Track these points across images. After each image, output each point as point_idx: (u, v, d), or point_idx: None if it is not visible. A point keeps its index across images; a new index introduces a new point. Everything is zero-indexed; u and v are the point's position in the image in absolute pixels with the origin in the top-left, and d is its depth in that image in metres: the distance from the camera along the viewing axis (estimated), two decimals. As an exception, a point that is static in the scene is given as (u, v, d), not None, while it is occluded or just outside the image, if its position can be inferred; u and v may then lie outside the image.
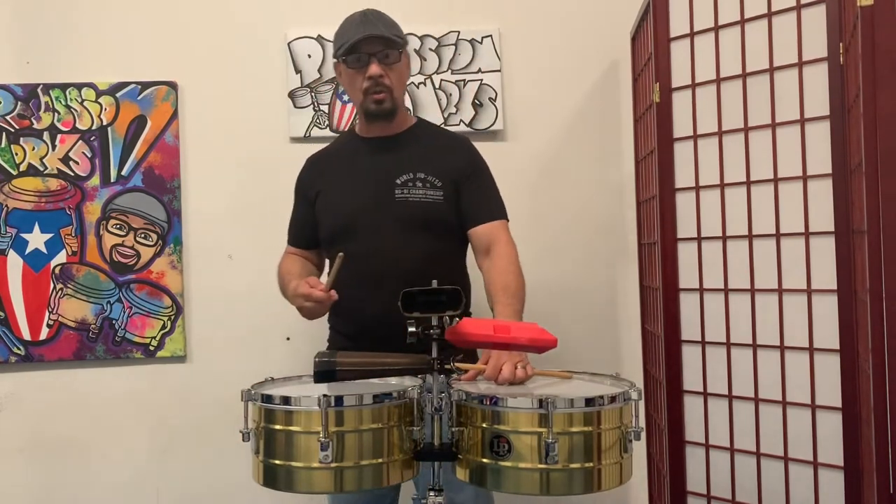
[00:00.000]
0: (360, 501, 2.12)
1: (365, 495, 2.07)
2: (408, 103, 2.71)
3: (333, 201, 2.13)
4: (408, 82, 2.21)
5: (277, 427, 1.52)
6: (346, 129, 2.36)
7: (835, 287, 1.95)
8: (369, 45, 2.02)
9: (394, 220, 2.04)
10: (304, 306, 1.94)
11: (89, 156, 2.67)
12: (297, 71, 2.70)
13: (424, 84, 2.72)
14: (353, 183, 2.11)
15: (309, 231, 2.20)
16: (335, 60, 2.13)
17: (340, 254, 1.82)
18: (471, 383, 1.70)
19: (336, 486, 1.50)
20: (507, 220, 2.11)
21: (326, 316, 2.16)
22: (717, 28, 2.15)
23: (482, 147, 2.75)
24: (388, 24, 2.07)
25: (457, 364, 1.59)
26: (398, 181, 2.05)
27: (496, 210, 2.10)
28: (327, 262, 2.20)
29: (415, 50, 2.70)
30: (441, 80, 2.72)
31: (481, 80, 2.72)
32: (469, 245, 2.12)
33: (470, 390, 1.56)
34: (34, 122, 2.65)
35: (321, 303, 1.90)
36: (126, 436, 2.70)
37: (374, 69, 2.02)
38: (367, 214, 2.06)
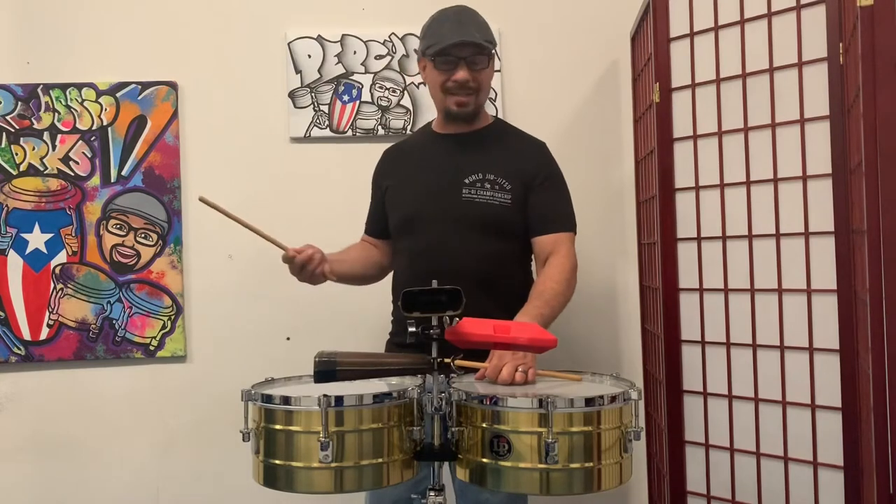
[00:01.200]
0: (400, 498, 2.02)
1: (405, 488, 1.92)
2: (407, 103, 2.72)
3: (401, 195, 2.15)
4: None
5: (277, 427, 1.52)
6: (424, 125, 2.35)
7: (835, 287, 1.95)
8: (460, 49, 2.01)
9: (458, 219, 2.04)
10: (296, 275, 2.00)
11: (89, 156, 2.67)
12: (297, 71, 2.70)
13: (424, 84, 2.71)
14: (422, 178, 2.12)
15: (380, 222, 2.22)
16: (420, 56, 2.13)
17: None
18: (470, 383, 1.70)
19: (336, 486, 1.50)
20: (574, 233, 2.09)
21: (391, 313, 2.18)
22: (717, 28, 2.15)
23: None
24: (482, 27, 2.05)
25: (458, 362, 1.59)
26: (466, 181, 2.05)
27: (562, 222, 2.08)
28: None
29: (414, 50, 2.70)
30: (441, 80, 2.71)
31: (481, 80, 2.72)
32: None
33: (470, 390, 1.56)
34: (34, 122, 2.65)
35: (292, 264, 1.96)
36: (126, 436, 2.70)
37: (463, 74, 2.02)
38: (432, 211, 2.07)
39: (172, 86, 2.68)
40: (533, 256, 2.12)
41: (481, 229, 2.03)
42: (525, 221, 2.07)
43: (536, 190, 2.07)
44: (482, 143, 2.12)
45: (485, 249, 2.03)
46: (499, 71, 2.71)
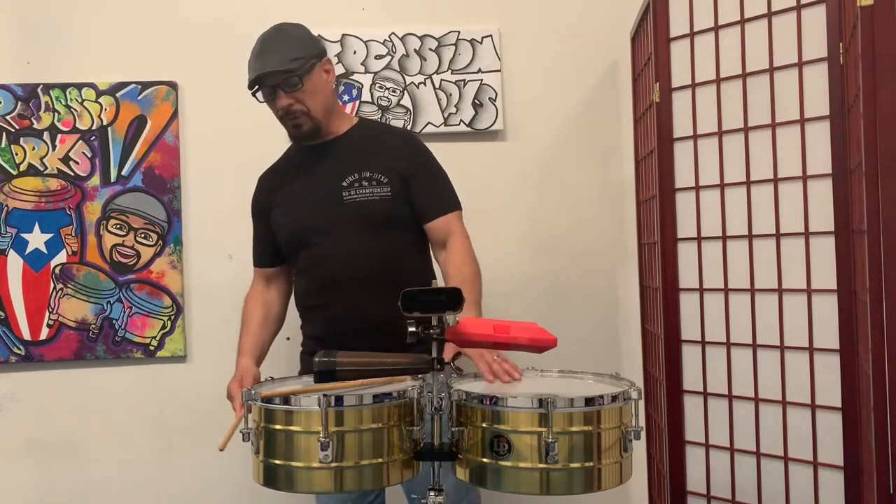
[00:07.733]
0: (348, 500, 2.13)
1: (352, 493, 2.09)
2: (407, 103, 2.71)
3: (286, 213, 2.14)
4: (334, 85, 2.14)
5: (277, 427, 1.52)
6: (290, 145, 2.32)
7: (835, 287, 1.95)
8: (270, 78, 1.99)
9: (345, 222, 2.04)
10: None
11: (89, 156, 2.67)
12: (297, 71, 2.70)
13: (424, 84, 2.72)
14: (303, 192, 2.11)
15: (270, 248, 2.21)
16: None
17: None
18: (470, 383, 1.70)
19: (336, 485, 1.50)
20: (460, 210, 2.11)
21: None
22: (717, 28, 2.15)
23: (482, 147, 2.77)
24: (286, 48, 1.99)
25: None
26: (344, 183, 2.04)
27: (448, 203, 2.09)
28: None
29: (415, 50, 2.71)
30: (441, 80, 2.72)
31: (481, 80, 2.72)
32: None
33: (470, 390, 1.56)
34: (34, 122, 2.65)
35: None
36: (126, 436, 2.70)
37: (282, 101, 2.01)
38: (319, 220, 2.06)
39: (172, 86, 2.68)
40: (430, 244, 2.12)
41: (369, 227, 2.03)
42: (410, 212, 2.07)
43: (414, 178, 2.06)
44: (350, 145, 2.11)
45: (377, 246, 2.02)
46: (499, 71, 2.72)
